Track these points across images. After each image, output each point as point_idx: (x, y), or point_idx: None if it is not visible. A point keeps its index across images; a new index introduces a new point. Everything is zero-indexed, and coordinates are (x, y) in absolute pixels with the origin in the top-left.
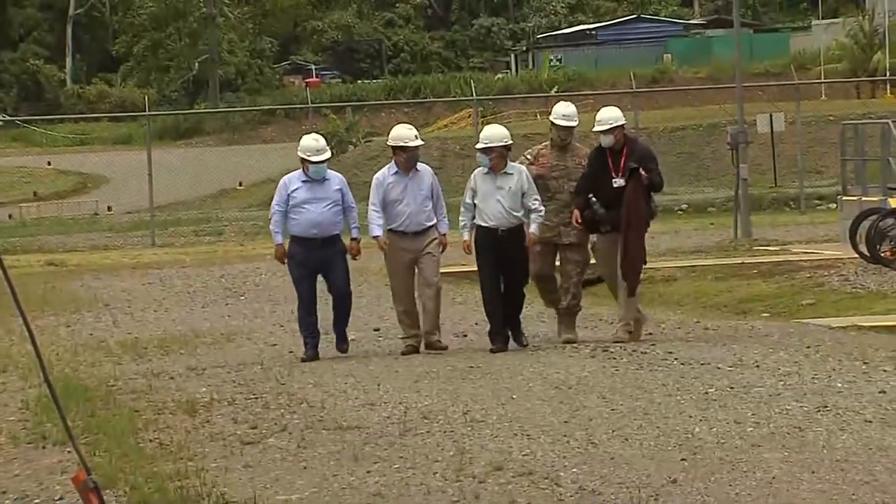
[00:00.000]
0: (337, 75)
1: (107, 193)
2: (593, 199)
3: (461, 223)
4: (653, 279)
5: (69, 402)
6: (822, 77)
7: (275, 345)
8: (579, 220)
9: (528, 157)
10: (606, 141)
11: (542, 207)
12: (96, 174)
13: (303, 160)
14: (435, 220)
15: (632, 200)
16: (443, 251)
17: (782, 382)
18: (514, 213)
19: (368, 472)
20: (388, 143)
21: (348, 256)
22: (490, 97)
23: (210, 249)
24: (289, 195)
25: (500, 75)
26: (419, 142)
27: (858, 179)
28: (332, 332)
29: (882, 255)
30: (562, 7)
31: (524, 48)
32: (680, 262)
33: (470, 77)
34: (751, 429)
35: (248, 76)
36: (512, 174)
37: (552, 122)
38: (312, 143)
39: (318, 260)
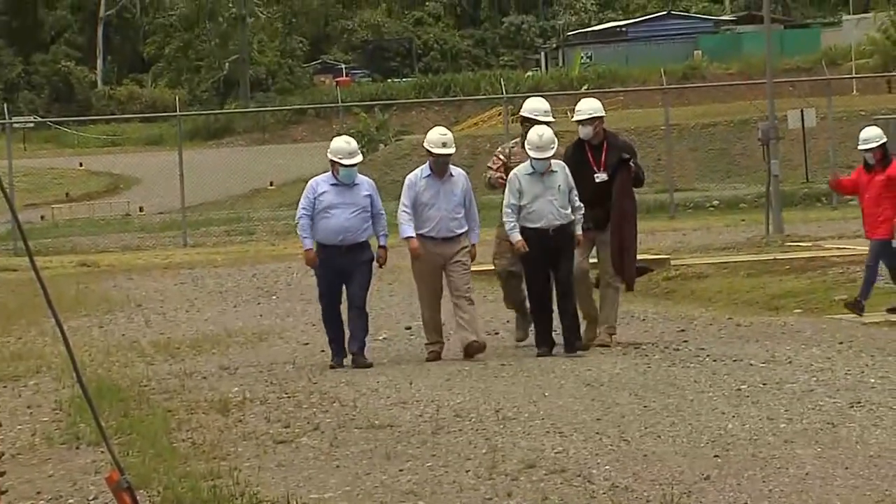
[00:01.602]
0: (367, 74)
1: (138, 194)
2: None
3: (509, 225)
4: (685, 275)
5: (102, 402)
6: (854, 72)
7: (307, 344)
8: None
9: (501, 156)
10: (585, 132)
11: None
12: (128, 175)
13: (333, 163)
14: (465, 228)
15: (622, 194)
16: (472, 261)
17: (815, 378)
18: (565, 212)
19: (401, 470)
20: (423, 145)
21: (374, 265)
22: (520, 95)
23: (241, 249)
24: (315, 198)
25: (530, 73)
26: (449, 150)
27: None
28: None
29: None
30: (592, 4)
31: (554, 46)
32: (711, 258)
33: (500, 75)
34: (784, 425)
35: (278, 76)
36: (557, 171)
37: (524, 118)
38: (344, 145)
39: (341, 267)
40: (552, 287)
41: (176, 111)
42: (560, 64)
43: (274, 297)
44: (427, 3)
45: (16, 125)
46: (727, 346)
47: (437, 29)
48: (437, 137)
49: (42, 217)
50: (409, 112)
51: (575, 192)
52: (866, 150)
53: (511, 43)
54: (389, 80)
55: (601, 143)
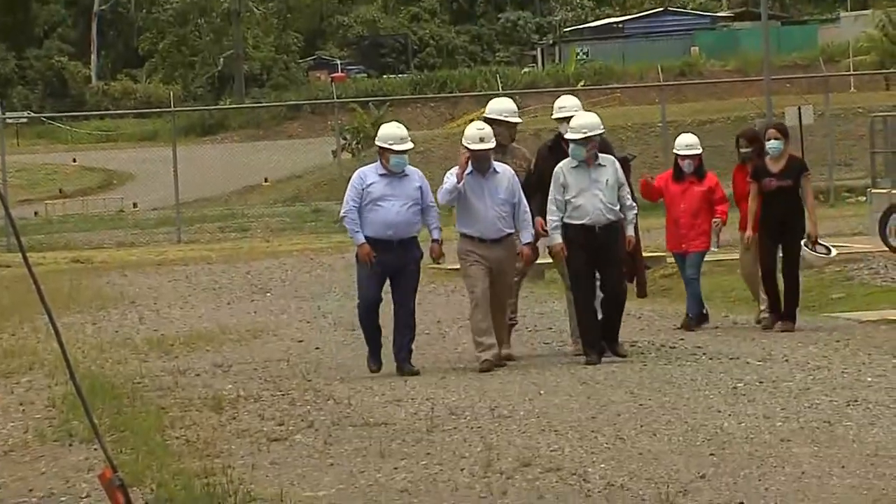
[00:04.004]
0: (362, 70)
1: (132, 190)
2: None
3: (551, 223)
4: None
5: (95, 399)
6: (851, 69)
7: (301, 341)
8: (544, 227)
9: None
10: (566, 129)
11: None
12: (122, 171)
13: (382, 150)
14: (513, 229)
15: None
16: (526, 264)
17: (812, 377)
18: (613, 208)
19: (395, 468)
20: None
21: (426, 260)
22: (516, 91)
23: (236, 246)
24: (364, 189)
25: (526, 69)
26: (488, 145)
27: (888, 172)
28: (392, 350)
29: None
30: (588, 0)
31: (550, 42)
32: (708, 255)
33: (496, 71)
34: (780, 423)
35: (273, 72)
36: (605, 166)
37: (490, 119)
38: (395, 130)
39: (390, 265)
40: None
41: (170, 107)
42: (557, 60)
43: (268, 295)
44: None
45: (9, 120)
46: (723, 344)
47: (432, 25)
48: (474, 132)
49: (35, 213)
50: (404, 108)
51: (627, 189)
52: (687, 157)
53: (507, 39)
54: (385, 77)
55: None
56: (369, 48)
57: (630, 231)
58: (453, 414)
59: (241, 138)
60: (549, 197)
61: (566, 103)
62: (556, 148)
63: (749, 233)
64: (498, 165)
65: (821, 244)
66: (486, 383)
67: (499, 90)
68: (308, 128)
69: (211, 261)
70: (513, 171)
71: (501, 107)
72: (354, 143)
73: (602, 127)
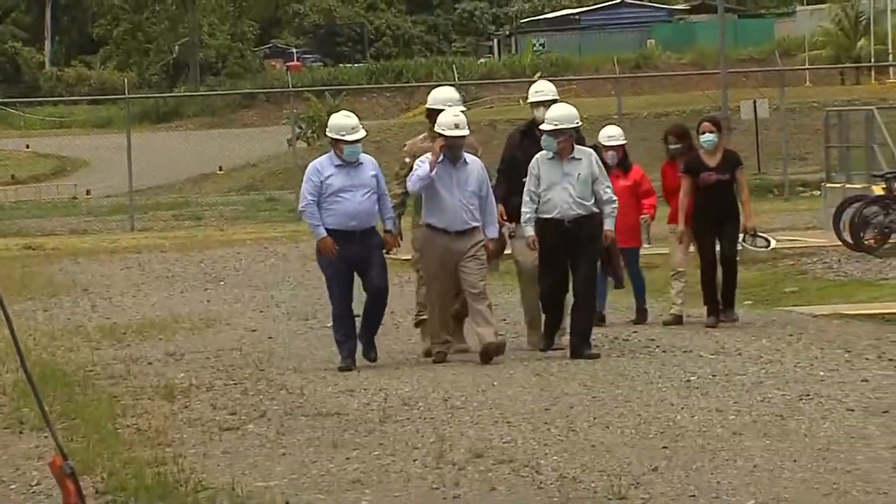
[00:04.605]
0: (318, 59)
1: (86, 177)
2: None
3: (525, 216)
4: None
5: (46, 387)
6: (807, 63)
7: (254, 330)
8: (504, 216)
9: (408, 159)
10: (541, 114)
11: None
12: (75, 157)
13: (335, 141)
14: (479, 222)
15: None
16: (489, 257)
17: (764, 370)
18: (584, 203)
19: (348, 458)
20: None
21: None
22: (472, 82)
23: (190, 234)
24: (322, 182)
25: (482, 60)
26: (462, 132)
27: (842, 166)
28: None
29: (865, 242)
30: None
31: (507, 33)
32: (662, 248)
33: (452, 62)
34: (733, 417)
35: (228, 60)
36: (581, 159)
37: (432, 109)
38: (346, 120)
39: (355, 256)
40: (566, 284)
41: (125, 94)
42: (513, 51)
43: (222, 283)
44: None
45: None
46: (677, 337)
47: (389, 14)
48: (450, 119)
49: None
50: (360, 98)
51: (606, 184)
52: (611, 148)
53: (464, 29)
54: (341, 66)
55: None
56: (325, 37)
57: (609, 225)
58: (406, 405)
59: (195, 126)
60: (525, 188)
61: (542, 87)
62: (529, 133)
63: (681, 227)
64: (468, 156)
65: (760, 236)
66: (440, 374)
67: (455, 80)
68: (263, 116)
69: (164, 249)
70: (482, 164)
71: (444, 96)
72: (310, 132)
73: (578, 120)
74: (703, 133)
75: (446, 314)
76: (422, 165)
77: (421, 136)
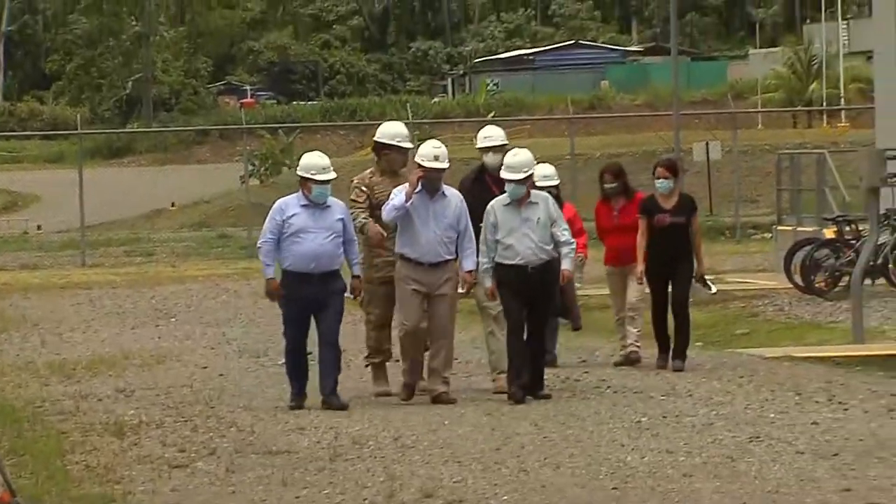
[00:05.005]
0: (272, 96)
1: (37, 212)
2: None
3: (483, 265)
4: (587, 306)
5: None
6: (759, 106)
7: (205, 367)
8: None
9: (363, 188)
10: (491, 159)
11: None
12: (27, 192)
13: (304, 180)
14: (453, 255)
15: None
16: (466, 290)
17: (715, 412)
18: (545, 248)
19: (297, 497)
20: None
21: (348, 296)
22: (426, 121)
23: (141, 270)
24: (284, 221)
25: (436, 99)
26: (442, 164)
27: (794, 209)
28: (318, 386)
29: (816, 285)
30: (499, 32)
31: (461, 72)
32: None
33: (406, 100)
34: (683, 458)
35: (182, 96)
36: (538, 203)
37: (381, 144)
38: (318, 160)
39: (312, 299)
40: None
41: (77, 129)
42: (467, 91)
43: (173, 320)
44: (334, 27)
45: None
46: (628, 377)
47: (343, 52)
48: (430, 150)
49: None
50: (314, 135)
51: (563, 226)
52: (545, 189)
53: (418, 68)
54: (295, 103)
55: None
56: (279, 74)
57: (566, 265)
58: (357, 443)
59: (148, 162)
60: (481, 237)
61: (491, 133)
62: (480, 179)
63: (640, 267)
64: (447, 189)
65: (708, 283)
66: (391, 413)
67: (409, 119)
68: (216, 153)
69: (115, 285)
70: (461, 198)
71: (393, 131)
72: (263, 169)
73: (535, 162)
74: (659, 178)
75: (444, 345)
76: (398, 195)
77: (368, 171)
